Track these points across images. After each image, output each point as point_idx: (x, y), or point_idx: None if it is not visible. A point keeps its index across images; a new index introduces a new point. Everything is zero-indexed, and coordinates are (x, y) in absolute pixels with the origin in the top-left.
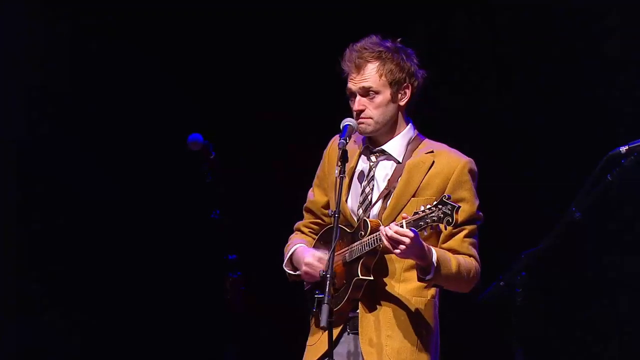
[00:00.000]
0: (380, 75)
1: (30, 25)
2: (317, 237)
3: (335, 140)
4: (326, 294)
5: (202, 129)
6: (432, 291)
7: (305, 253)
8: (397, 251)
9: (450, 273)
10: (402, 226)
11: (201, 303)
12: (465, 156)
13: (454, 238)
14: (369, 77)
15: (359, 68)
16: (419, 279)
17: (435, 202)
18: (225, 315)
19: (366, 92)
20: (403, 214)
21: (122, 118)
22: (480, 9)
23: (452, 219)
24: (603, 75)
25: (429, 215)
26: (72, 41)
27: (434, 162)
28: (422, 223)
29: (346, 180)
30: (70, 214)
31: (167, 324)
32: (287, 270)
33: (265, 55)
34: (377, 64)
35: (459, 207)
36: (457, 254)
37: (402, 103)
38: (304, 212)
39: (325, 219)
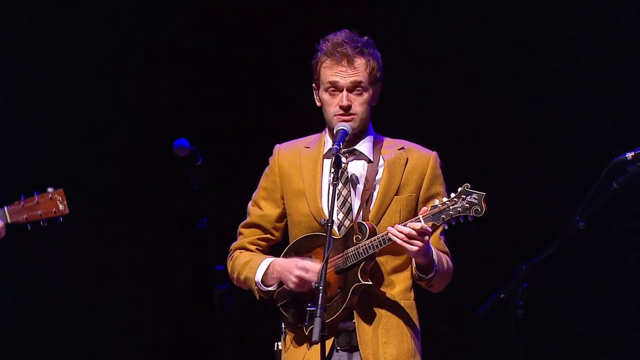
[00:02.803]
0: (369, 72)
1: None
2: (286, 250)
3: (279, 149)
4: (319, 306)
5: (189, 134)
6: (413, 294)
7: (293, 261)
8: (414, 248)
9: (444, 271)
10: (419, 221)
11: (188, 316)
12: (429, 150)
13: (432, 236)
14: (360, 71)
15: (350, 61)
16: (418, 278)
17: (455, 194)
18: (214, 328)
19: (355, 87)
20: (423, 208)
21: (107, 122)
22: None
23: (482, 208)
24: (609, 76)
25: (451, 207)
26: (59, 44)
27: (408, 158)
28: (444, 216)
29: (317, 185)
30: (53, 225)
31: (154, 337)
32: (260, 287)
33: (256, 56)
34: (363, 59)
35: (486, 195)
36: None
37: (374, 103)
38: (243, 229)
39: (276, 233)
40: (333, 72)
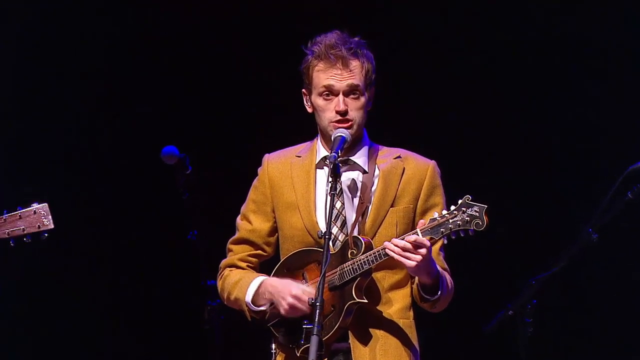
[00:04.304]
0: (364, 74)
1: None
2: (277, 266)
3: (269, 159)
4: (315, 324)
5: (178, 141)
6: (413, 312)
7: (287, 285)
8: (412, 263)
9: (448, 289)
10: (417, 235)
11: (177, 334)
12: (428, 158)
13: (432, 251)
14: (356, 74)
15: (345, 63)
16: (423, 299)
17: (455, 206)
18: (204, 347)
19: (351, 91)
20: (421, 221)
21: (91, 128)
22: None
23: (483, 222)
24: (619, 79)
25: (450, 220)
26: (42, 51)
27: (404, 168)
28: (444, 230)
29: (311, 197)
30: (37, 241)
31: (141, 356)
32: (251, 307)
33: (248, 61)
34: (358, 61)
35: (488, 207)
36: None
37: (369, 108)
38: (232, 246)
39: (267, 248)
40: (328, 75)
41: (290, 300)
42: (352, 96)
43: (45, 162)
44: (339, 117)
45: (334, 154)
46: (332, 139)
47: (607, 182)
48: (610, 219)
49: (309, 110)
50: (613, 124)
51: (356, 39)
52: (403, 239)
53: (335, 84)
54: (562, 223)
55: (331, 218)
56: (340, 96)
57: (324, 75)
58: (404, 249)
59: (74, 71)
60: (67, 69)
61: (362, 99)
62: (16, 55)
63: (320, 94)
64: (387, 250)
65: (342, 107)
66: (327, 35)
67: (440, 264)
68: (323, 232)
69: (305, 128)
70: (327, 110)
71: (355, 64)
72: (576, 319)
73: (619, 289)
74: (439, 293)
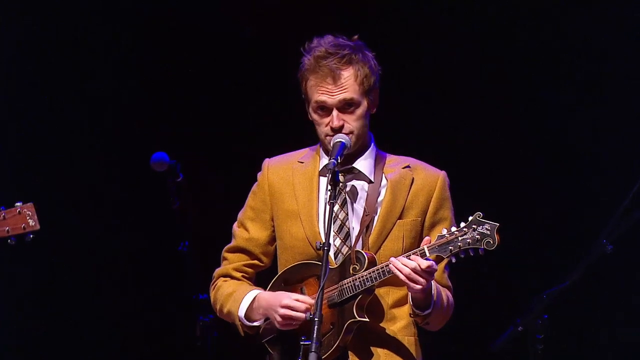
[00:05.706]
0: (359, 82)
1: None
2: (274, 280)
3: (269, 164)
4: (314, 341)
5: (168, 147)
6: (416, 329)
7: (277, 297)
8: (418, 287)
9: (443, 306)
10: (424, 254)
11: (168, 351)
12: (438, 169)
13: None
14: (348, 86)
15: (336, 77)
16: (414, 314)
17: (465, 223)
18: None
19: (346, 104)
20: (426, 237)
21: (79, 132)
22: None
23: (494, 241)
24: (628, 85)
25: (460, 238)
26: (31, 58)
27: (413, 178)
28: (452, 248)
29: (314, 205)
30: (22, 242)
31: None
32: (244, 322)
33: (242, 63)
34: (351, 70)
35: (499, 225)
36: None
37: (373, 111)
38: (227, 254)
39: (264, 258)
40: (319, 91)
41: (282, 311)
42: (347, 109)
43: (31, 169)
44: (333, 133)
45: (333, 160)
46: (332, 145)
47: (622, 191)
48: (626, 229)
49: (310, 118)
50: (624, 131)
51: (353, 40)
52: (409, 258)
53: (327, 99)
54: (575, 233)
55: (331, 229)
56: (335, 111)
57: (316, 90)
58: (415, 271)
59: (65, 75)
60: (59, 72)
61: (359, 110)
62: (7, 57)
63: (315, 110)
64: (391, 267)
65: (335, 124)
66: (319, 41)
67: (444, 282)
68: (335, 245)
69: (304, 133)
70: (322, 125)
71: (347, 74)
72: (590, 335)
73: (636, 302)
74: (431, 309)
